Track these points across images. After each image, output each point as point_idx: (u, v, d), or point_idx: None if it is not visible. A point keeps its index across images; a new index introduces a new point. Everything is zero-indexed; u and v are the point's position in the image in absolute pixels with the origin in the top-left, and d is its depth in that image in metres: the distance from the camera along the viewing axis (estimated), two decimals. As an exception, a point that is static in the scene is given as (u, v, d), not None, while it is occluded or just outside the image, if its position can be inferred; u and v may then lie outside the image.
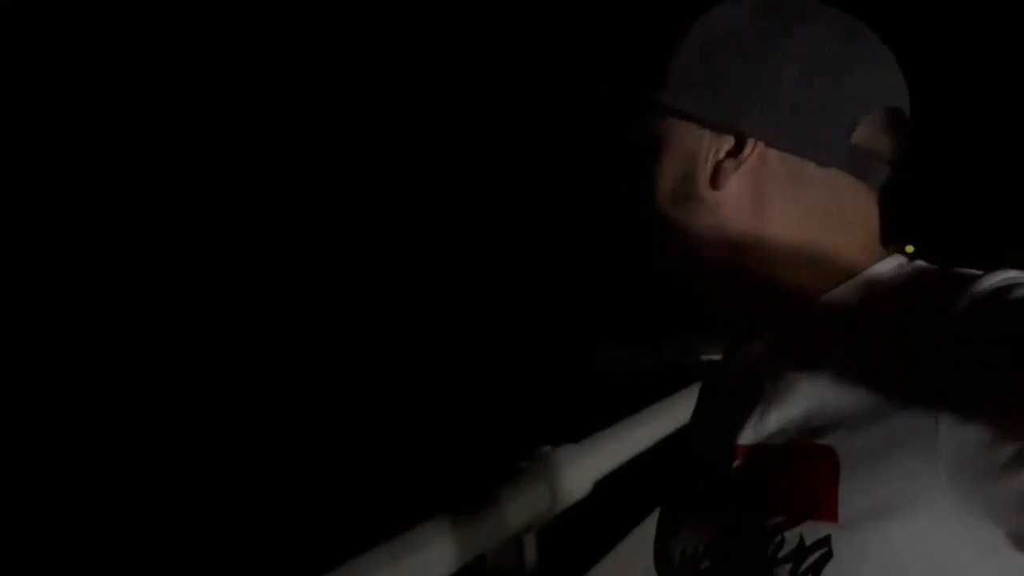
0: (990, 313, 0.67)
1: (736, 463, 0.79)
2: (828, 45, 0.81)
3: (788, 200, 0.81)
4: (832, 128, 0.81)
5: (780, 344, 0.80)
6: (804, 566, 0.70)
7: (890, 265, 0.79)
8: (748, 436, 0.78)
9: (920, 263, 0.78)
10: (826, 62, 0.80)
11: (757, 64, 0.81)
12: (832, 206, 0.82)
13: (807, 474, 0.72)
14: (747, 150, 0.81)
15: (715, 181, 0.81)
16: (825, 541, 0.69)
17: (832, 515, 0.69)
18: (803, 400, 0.75)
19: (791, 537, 0.71)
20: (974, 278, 0.71)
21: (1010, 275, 0.70)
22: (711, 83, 0.81)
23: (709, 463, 0.82)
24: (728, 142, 0.81)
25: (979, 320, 0.68)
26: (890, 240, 0.84)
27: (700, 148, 0.82)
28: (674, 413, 3.01)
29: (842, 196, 0.82)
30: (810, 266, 0.79)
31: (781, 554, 0.71)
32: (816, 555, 0.69)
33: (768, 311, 0.80)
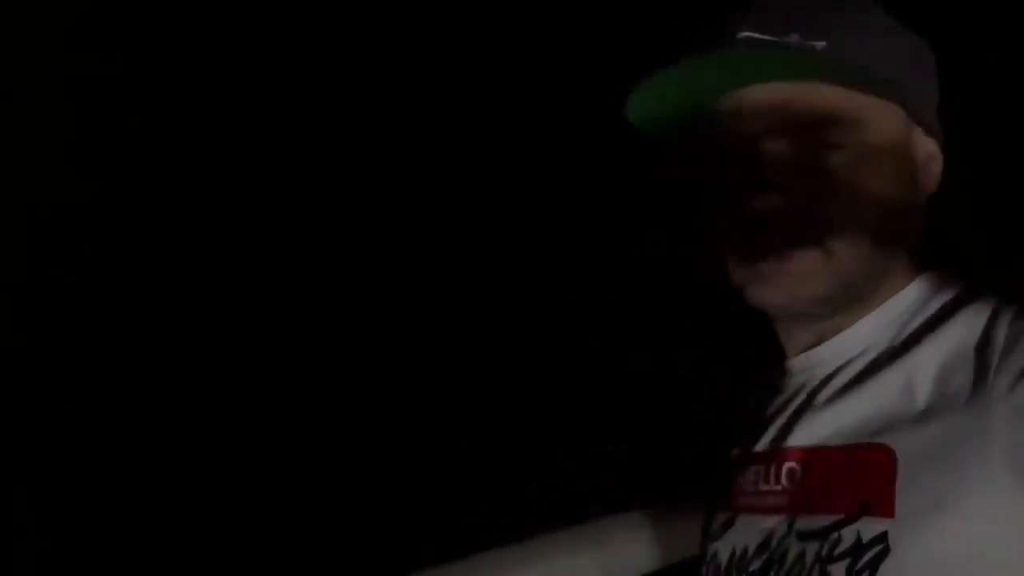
0: None
1: (790, 465, 0.79)
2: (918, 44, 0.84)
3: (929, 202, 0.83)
4: (939, 128, 0.83)
5: (836, 350, 0.80)
6: (861, 563, 0.70)
7: (930, 279, 0.80)
8: (803, 438, 0.79)
9: (955, 272, 0.80)
10: (925, 57, 0.84)
11: (917, 54, 0.82)
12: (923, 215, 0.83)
13: (865, 473, 0.72)
14: (931, 147, 0.81)
15: (931, 182, 0.80)
16: (882, 537, 0.69)
17: (889, 511, 0.69)
18: (859, 403, 0.76)
19: (848, 534, 0.71)
20: (1019, 281, 0.73)
21: None
22: (898, 74, 0.78)
23: (759, 466, 0.82)
24: (920, 134, 0.80)
25: None
26: None
27: (911, 141, 0.80)
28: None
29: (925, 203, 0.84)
30: (883, 280, 0.80)
31: (838, 551, 0.71)
32: (873, 551, 0.70)
33: (834, 324, 0.80)
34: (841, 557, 0.72)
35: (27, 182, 2.96)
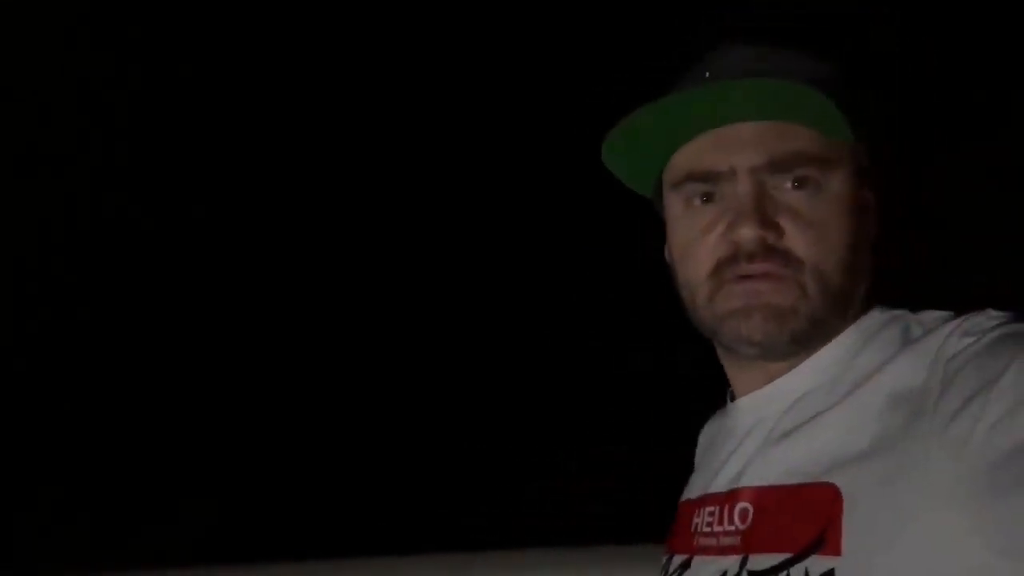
0: (980, 349, 0.69)
1: (742, 505, 0.80)
2: None
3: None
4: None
5: (784, 390, 0.81)
6: None
7: (874, 318, 0.81)
8: (754, 479, 0.80)
9: (896, 312, 0.80)
10: None
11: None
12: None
13: (812, 511, 0.73)
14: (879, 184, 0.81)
15: (881, 218, 0.80)
16: (829, 574, 0.70)
17: (836, 549, 0.70)
18: (805, 442, 0.77)
19: (796, 572, 0.72)
20: (959, 320, 0.74)
21: (993, 314, 0.73)
22: (866, 111, 0.78)
23: (713, 507, 0.83)
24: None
25: (970, 355, 0.70)
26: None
27: (872, 174, 0.80)
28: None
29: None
30: (842, 313, 0.80)
31: None
32: None
33: (781, 364, 0.81)
34: None
35: (27, 182, 2.96)
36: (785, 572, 0.74)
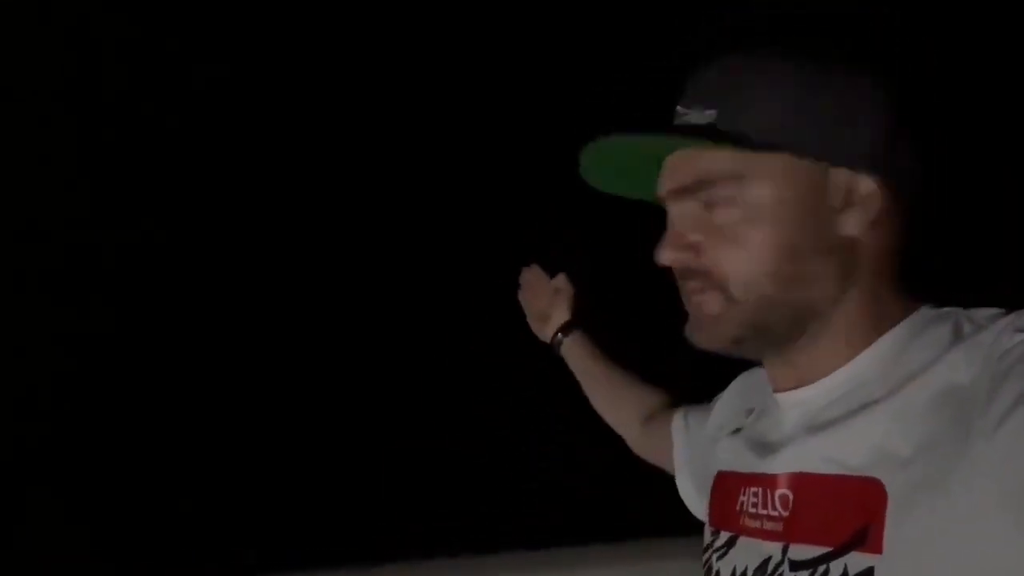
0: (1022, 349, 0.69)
1: (782, 491, 0.80)
2: (889, 82, 0.83)
3: (887, 250, 0.83)
4: (913, 163, 0.82)
5: (827, 390, 0.81)
6: None
7: (924, 315, 0.80)
8: (794, 464, 0.80)
9: (946, 309, 0.80)
10: (892, 100, 0.83)
11: (848, 99, 0.81)
12: (896, 256, 0.83)
13: (855, 505, 0.73)
14: (862, 190, 0.81)
15: (858, 224, 0.80)
16: (869, 572, 0.70)
17: (877, 547, 0.70)
18: (849, 436, 0.77)
19: (836, 567, 0.72)
20: (1011, 317, 0.73)
21: None
22: (806, 120, 0.79)
23: (757, 488, 0.83)
24: (842, 182, 0.80)
25: (1017, 357, 0.69)
26: None
27: (825, 191, 0.79)
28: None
29: (903, 243, 0.83)
30: (862, 320, 0.81)
31: None
32: None
33: (818, 361, 0.81)
34: None
35: (26, 182, 2.96)
36: (825, 566, 0.74)
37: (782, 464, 0.82)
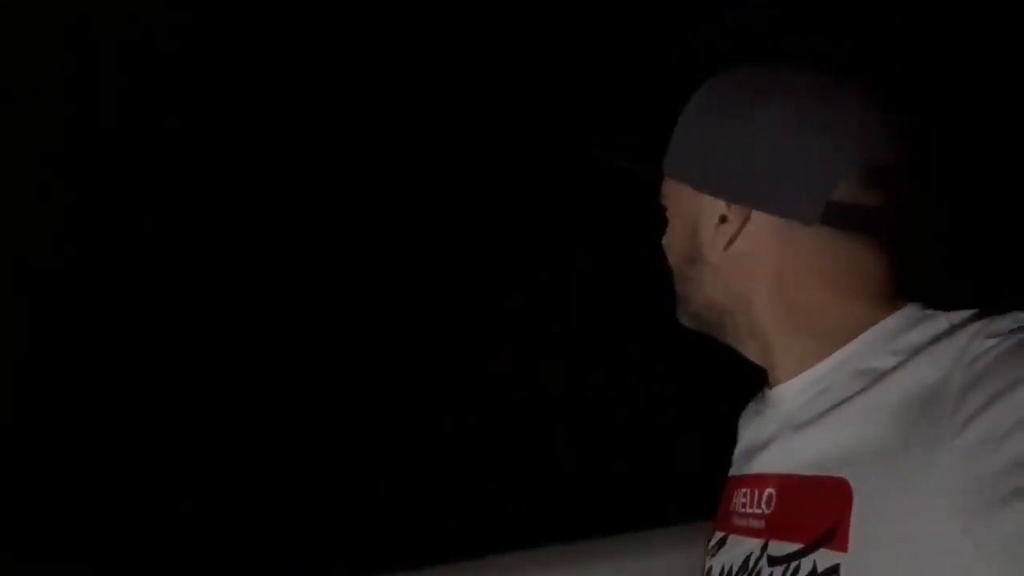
0: (1000, 354, 0.70)
1: (769, 490, 0.83)
2: (800, 112, 0.85)
3: (778, 261, 0.86)
4: (808, 189, 0.84)
5: (804, 387, 0.83)
6: None
7: (903, 317, 0.82)
8: (779, 465, 0.82)
9: (930, 311, 0.82)
10: (797, 129, 0.85)
11: (737, 133, 0.86)
12: (825, 264, 0.85)
13: (825, 504, 0.75)
14: (733, 214, 0.86)
15: (713, 244, 0.87)
16: (835, 570, 0.72)
17: (843, 545, 0.72)
18: (824, 435, 0.79)
19: (806, 564, 0.74)
20: (985, 321, 0.74)
21: (1020, 317, 0.73)
22: (700, 151, 0.89)
23: (747, 489, 0.86)
24: (720, 207, 0.87)
25: (990, 360, 0.70)
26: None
27: (700, 212, 0.89)
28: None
29: (835, 253, 0.85)
30: (811, 323, 0.84)
31: None
32: None
33: (785, 361, 0.85)
34: None
35: (26, 182, 2.96)
36: (796, 562, 0.77)
37: (768, 463, 0.85)
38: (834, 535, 0.74)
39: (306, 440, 2.86)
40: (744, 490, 0.88)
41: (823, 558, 0.74)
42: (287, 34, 3.06)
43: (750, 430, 0.94)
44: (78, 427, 2.87)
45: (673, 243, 0.94)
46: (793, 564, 0.76)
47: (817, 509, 0.77)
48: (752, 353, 0.92)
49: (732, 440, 1.02)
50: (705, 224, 0.90)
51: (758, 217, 0.86)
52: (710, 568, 0.91)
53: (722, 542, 0.91)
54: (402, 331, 3.05)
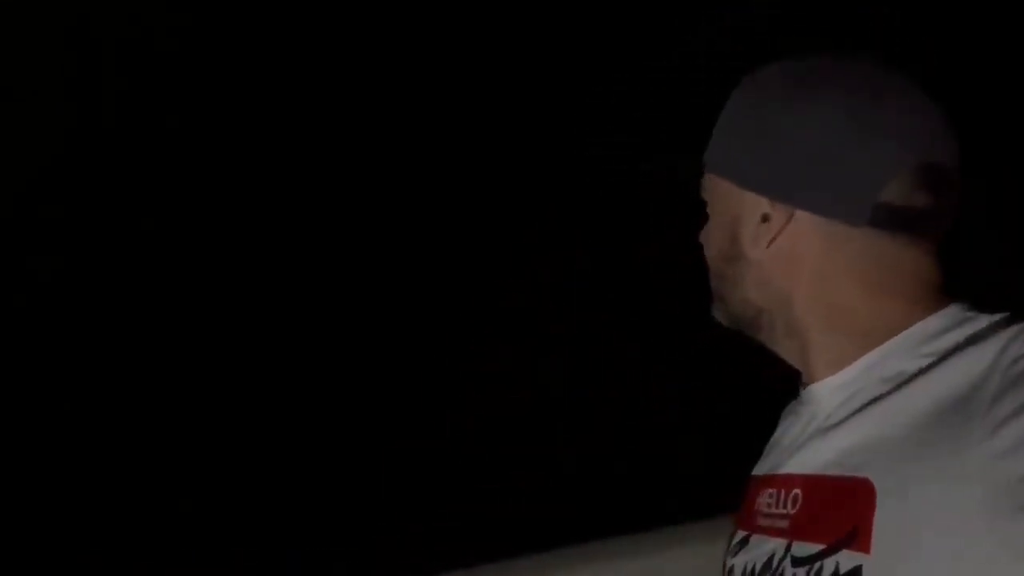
0: None
1: (795, 491, 0.82)
2: (850, 110, 0.82)
3: (821, 261, 0.84)
4: (856, 189, 0.82)
5: (836, 388, 0.82)
6: None
7: (942, 318, 0.81)
8: (805, 466, 0.81)
9: (972, 313, 0.80)
10: (846, 127, 0.82)
11: (784, 130, 0.83)
12: (869, 265, 0.83)
13: (848, 505, 0.74)
14: (776, 212, 0.84)
15: (755, 242, 0.84)
16: (857, 571, 0.71)
17: (865, 546, 0.71)
18: (851, 435, 0.78)
19: (828, 565, 0.74)
20: (1017, 325, 0.73)
21: None
22: (744, 147, 0.85)
23: (773, 489, 0.85)
24: (764, 204, 0.84)
25: (1023, 365, 0.69)
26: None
27: (742, 209, 0.86)
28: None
29: (880, 254, 0.83)
30: (849, 324, 0.82)
31: None
32: None
33: (820, 362, 0.84)
34: None
35: (26, 182, 2.96)
36: (819, 563, 0.76)
37: (797, 464, 0.84)
38: (856, 536, 0.73)
39: (306, 440, 2.87)
40: (771, 490, 0.86)
41: (845, 559, 0.73)
42: (288, 35, 3.06)
43: (783, 428, 0.92)
44: (78, 427, 2.87)
45: (712, 239, 0.91)
46: (816, 565, 0.76)
47: (840, 510, 0.76)
48: (788, 352, 0.89)
49: (733, 440, 1.02)
50: (747, 222, 0.87)
51: (802, 216, 0.84)
52: (732, 567, 0.90)
53: (744, 541, 0.89)
54: (402, 331, 3.05)
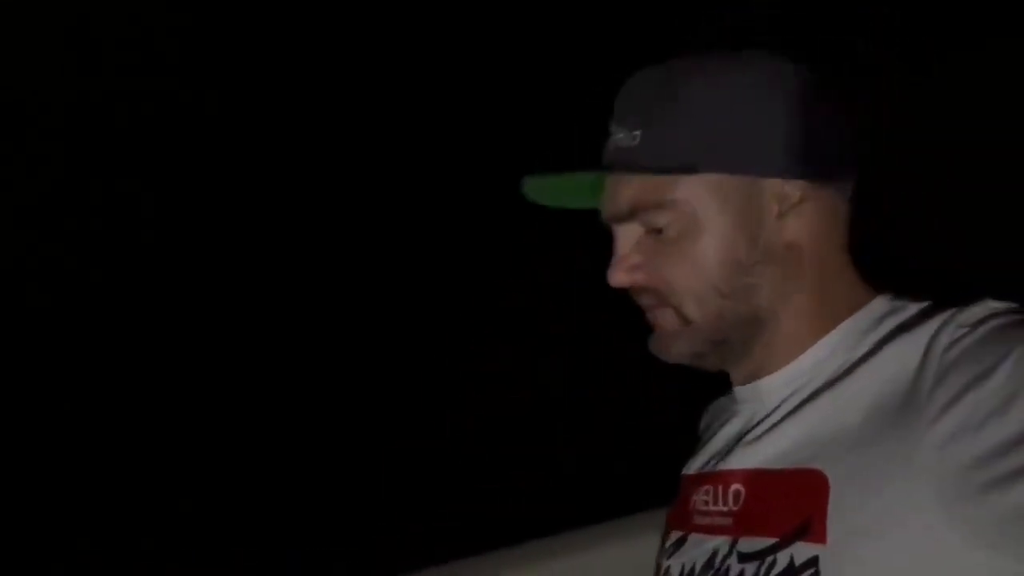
0: (971, 343, 0.70)
1: (735, 487, 0.81)
2: (813, 80, 0.82)
3: (821, 242, 0.83)
4: (846, 155, 0.82)
5: (783, 377, 0.82)
6: None
7: (881, 303, 0.81)
8: (747, 461, 0.81)
9: (899, 302, 0.81)
10: (819, 94, 0.82)
11: (763, 109, 0.81)
12: (844, 247, 0.83)
13: (799, 497, 0.74)
14: (790, 189, 0.80)
15: (779, 231, 0.81)
16: (813, 562, 0.71)
17: (821, 536, 0.71)
18: (797, 429, 0.78)
19: (782, 558, 0.74)
20: (955, 310, 0.74)
21: (990, 306, 0.73)
22: (727, 136, 0.80)
23: (709, 486, 0.84)
24: (776, 185, 0.80)
25: (961, 350, 0.70)
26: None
27: (761, 199, 0.80)
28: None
29: (835, 210, 0.84)
30: (818, 304, 0.82)
31: (772, 574, 0.73)
32: (805, 575, 0.72)
33: (777, 355, 0.83)
34: None
35: (26, 182, 2.96)
36: (772, 557, 0.76)
37: (736, 461, 0.84)
38: (810, 527, 0.73)
39: (306, 440, 2.87)
40: (706, 487, 0.85)
41: (800, 551, 0.73)
42: (288, 36, 3.07)
43: (714, 427, 0.91)
44: (78, 427, 2.87)
45: (715, 254, 0.80)
46: (768, 559, 0.75)
47: (790, 502, 0.75)
48: (746, 353, 0.84)
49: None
50: (767, 211, 0.80)
51: (810, 193, 0.80)
52: (667, 568, 0.87)
53: (681, 541, 0.87)
54: (402, 331, 3.06)
